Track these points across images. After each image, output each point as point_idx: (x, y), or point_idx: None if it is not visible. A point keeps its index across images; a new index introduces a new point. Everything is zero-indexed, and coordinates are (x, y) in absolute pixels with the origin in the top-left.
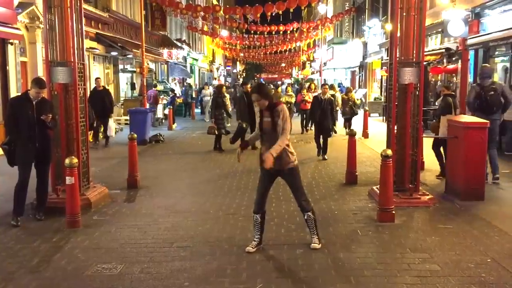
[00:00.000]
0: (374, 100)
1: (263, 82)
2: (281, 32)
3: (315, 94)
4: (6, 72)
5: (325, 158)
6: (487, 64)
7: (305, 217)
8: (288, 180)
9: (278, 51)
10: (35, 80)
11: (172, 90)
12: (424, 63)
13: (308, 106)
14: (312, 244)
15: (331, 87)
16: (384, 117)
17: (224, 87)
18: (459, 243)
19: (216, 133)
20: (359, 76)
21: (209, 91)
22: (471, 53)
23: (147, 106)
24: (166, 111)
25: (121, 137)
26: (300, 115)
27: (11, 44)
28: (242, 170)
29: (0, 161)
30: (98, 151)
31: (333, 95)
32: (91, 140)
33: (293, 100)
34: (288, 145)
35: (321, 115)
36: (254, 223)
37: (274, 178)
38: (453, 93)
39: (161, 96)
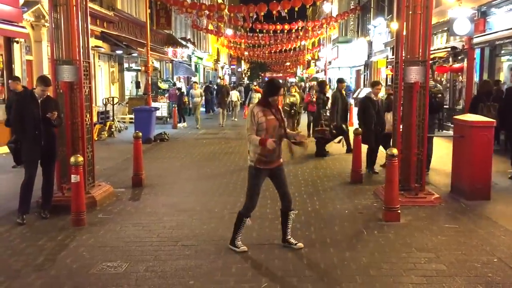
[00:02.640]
0: None
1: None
2: (286, 31)
3: (328, 93)
4: (12, 71)
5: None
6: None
7: (288, 217)
8: (281, 176)
9: (283, 50)
10: (40, 78)
11: (179, 89)
12: (430, 61)
13: (315, 107)
14: (299, 244)
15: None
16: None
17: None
18: (465, 242)
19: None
20: (364, 75)
21: (199, 91)
22: (477, 52)
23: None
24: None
25: (126, 135)
26: (307, 117)
27: (17, 42)
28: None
29: (6, 159)
30: (103, 149)
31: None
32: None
33: (297, 101)
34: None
35: (377, 120)
36: (241, 226)
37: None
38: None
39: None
